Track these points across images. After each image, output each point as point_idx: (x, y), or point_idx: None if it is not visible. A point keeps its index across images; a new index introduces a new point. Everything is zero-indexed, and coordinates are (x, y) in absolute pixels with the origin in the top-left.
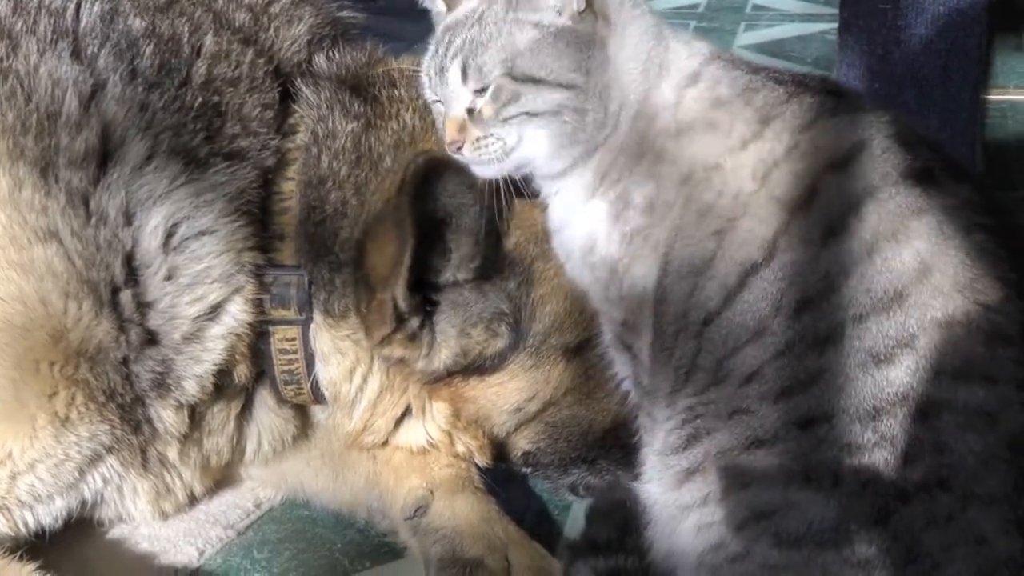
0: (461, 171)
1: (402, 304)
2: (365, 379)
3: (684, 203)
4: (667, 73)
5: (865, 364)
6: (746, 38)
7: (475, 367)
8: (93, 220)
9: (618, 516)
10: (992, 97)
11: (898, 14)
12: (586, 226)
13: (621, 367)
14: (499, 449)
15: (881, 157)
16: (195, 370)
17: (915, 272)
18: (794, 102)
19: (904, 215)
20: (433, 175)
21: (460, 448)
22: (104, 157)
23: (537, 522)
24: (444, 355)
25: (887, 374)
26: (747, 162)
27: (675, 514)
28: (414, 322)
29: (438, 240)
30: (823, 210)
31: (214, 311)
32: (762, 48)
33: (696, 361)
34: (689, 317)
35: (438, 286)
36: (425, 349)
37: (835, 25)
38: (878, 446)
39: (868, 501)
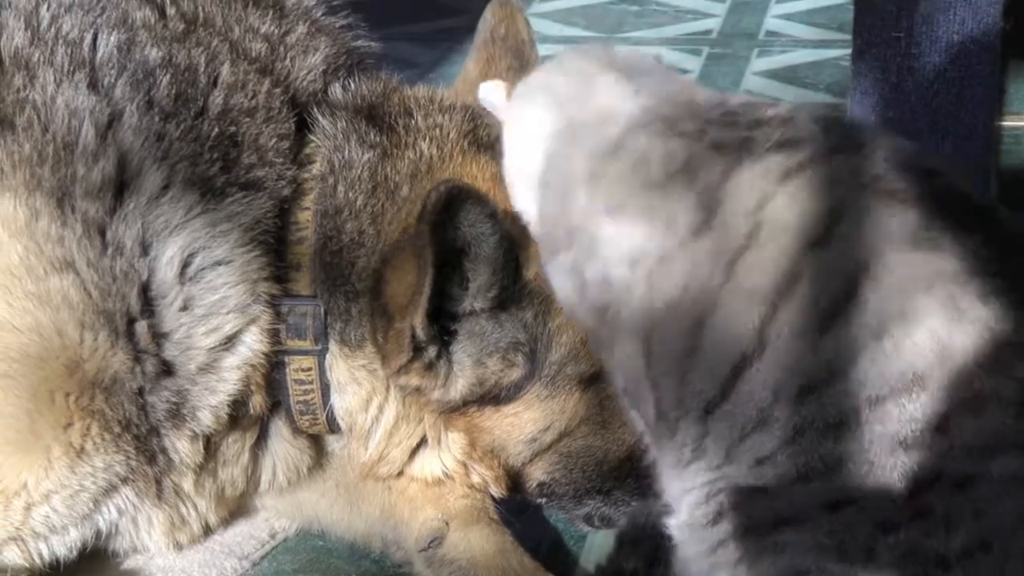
0: (482, 200)
1: (420, 333)
2: (381, 409)
3: (646, 289)
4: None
5: (892, 449)
6: (759, 64)
7: (491, 397)
8: (109, 250)
9: (648, 546)
10: (1006, 124)
11: (911, 42)
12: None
13: (632, 420)
14: (514, 480)
15: (869, 222)
16: (210, 400)
17: (933, 353)
18: (746, 171)
19: (909, 291)
20: (455, 204)
21: (475, 479)
22: (120, 187)
23: (552, 553)
24: (461, 385)
25: (916, 456)
26: (702, 253)
27: (705, 568)
28: (431, 351)
29: (456, 269)
30: (813, 296)
31: (229, 341)
32: (775, 75)
33: (704, 443)
34: (688, 404)
35: (455, 315)
36: (442, 379)
37: (849, 51)
38: (915, 521)
39: (908, 572)
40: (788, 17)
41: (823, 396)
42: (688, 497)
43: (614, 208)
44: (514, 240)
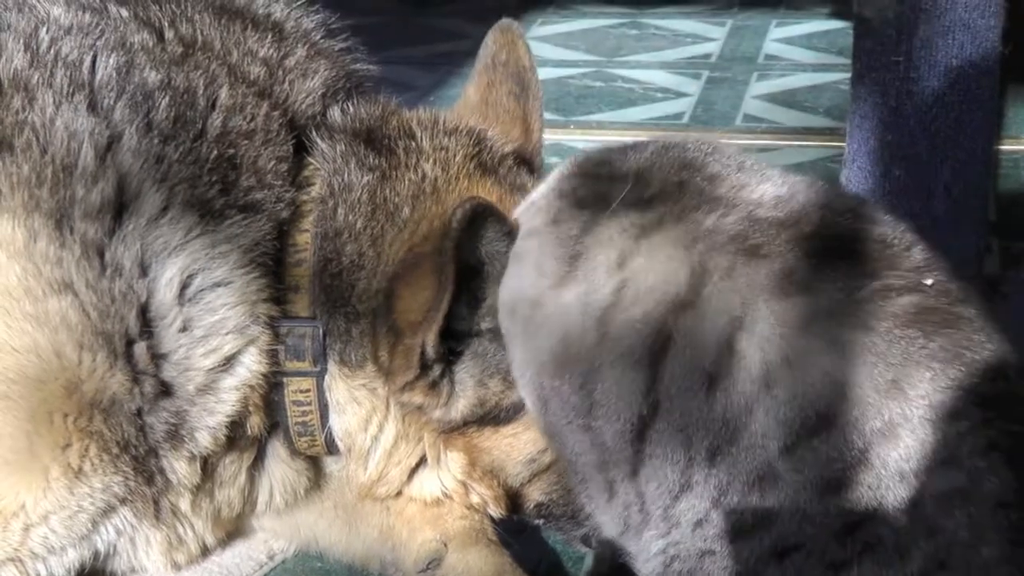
0: (502, 219)
1: (430, 351)
2: (381, 428)
3: (524, 337)
4: None
5: (821, 493)
6: (758, 88)
7: (491, 417)
8: (108, 272)
9: None
10: (1005, 148)
11: (911, 66)
12: None
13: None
14: (513, 500)
15: (734, 279)
16: (208, 422)
17: (831, 392)
18: (603, 226)
19: (788, 337)
20: (478, 221)
21: (475, 499)
22: (120, 209)
23: (550, 574)
24: (462, 404)
25: (848, 495)
26: (571, 301)
27: None
28: (436, 370)
29: (465, 288)
30: (691, 357)
31: (228, 362)
32: (774, 98)
33: (645, 507)
34: (609, 470)
35: (459, 335)
36: (444, 398)
37: (848, 75)
38: (865, 555)
39: None
40: (788, 41)
41: (733, 453)
42: (648, 565)
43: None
44: None
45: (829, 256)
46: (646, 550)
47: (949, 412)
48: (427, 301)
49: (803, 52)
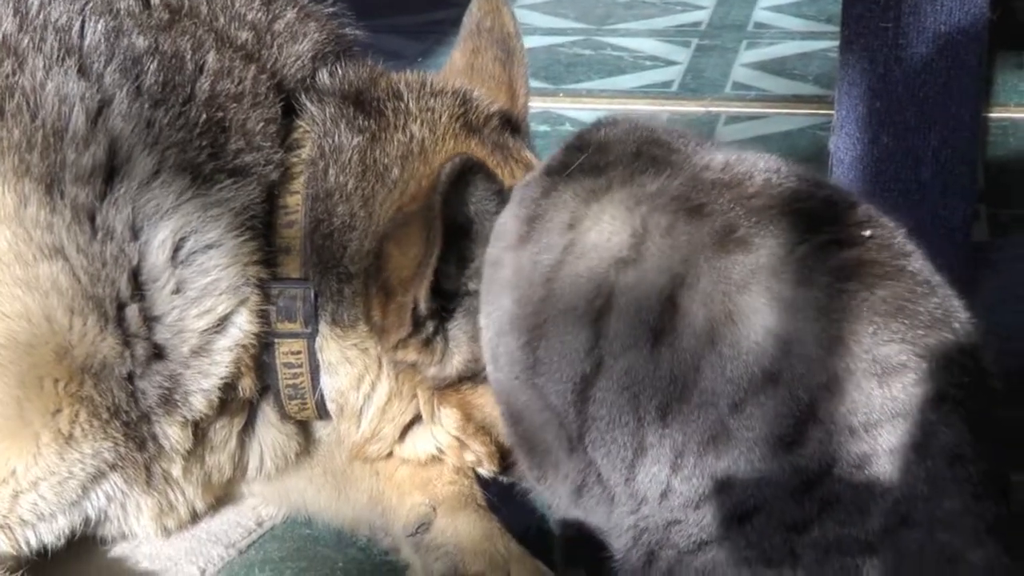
0: (491, 176)
1: (422, 307)
2: (373, 387)
3: (485, 297)
4: None
5: (774, 450)
6: (748, 56)
7: (484, 373)
8: (99, 235)
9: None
10: (993, 115)
11: (899, 33)
12: None
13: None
14: (505, 457)
15: (674, 237)
16: (203, 384)
17: (774, 348)
18: (559, 191)
19: (729, 293)
20: (467, 177)
21: (469, 457)
22: (110, 173)
23: (538, 540)
24: (456, 361)
25: (801, 451)
26: (525, 260)
27: None
28: (430, 327)
29: (454, 247)
30: (632, 313)
31: (221, 323)
32: (764, 66)
33: (602, 478)
34: (555, 432)
35: (449, 294)
36: (438, 355)
37: (837, 43)
38: (824, 514)
39: (835, 564)
40: (777, 9)
41: (685, 412)
42: (620, 540)
43: None
44: None
45: (770, 214)
46: (618, 526)
47: (893, 365)
48: (417, 257)
49: (792, 20)
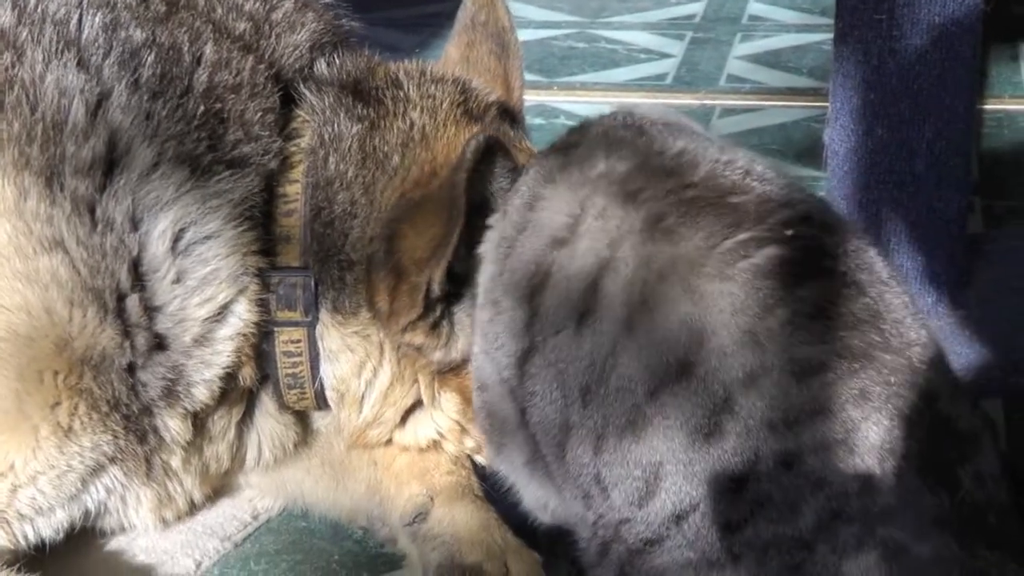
0: (510, 156)
1: (436, 288)
2: (375, 372)
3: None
4: None
5: (693, 440)
6: (742, 49)
7: None
8: (99, 227)
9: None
10: (988, 107)
11: (893, 24)
12: None
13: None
14: None
15: (606, 216)
16: (205, 375)
17: (688, 337)
18: (529, 169)
19: (648, 281)
20: (489, 156)
21: (469, 442)
22: (110, 165)
23: (534, 531)
24: (460, 345)
25: (722, 446)
26: (491, 240)
27: None
28: (438, 310)
29: (466, 228)
30: (562, 293)
31: (222, 312)
32: (758, 59)
33: (545, 457)
34: (507, 406)
35: (458, 277)
36: (444, 339)
37: (832, 35)
38: (756, 513)
39: (774, 563)
40: (771, 1)
41: (603, 395)
42: (582, 532)
43: None
44: None
45: (700, 206)
46: (577, 516)
47: (812, 365)
48: (436, 237)
49: (787, 12)
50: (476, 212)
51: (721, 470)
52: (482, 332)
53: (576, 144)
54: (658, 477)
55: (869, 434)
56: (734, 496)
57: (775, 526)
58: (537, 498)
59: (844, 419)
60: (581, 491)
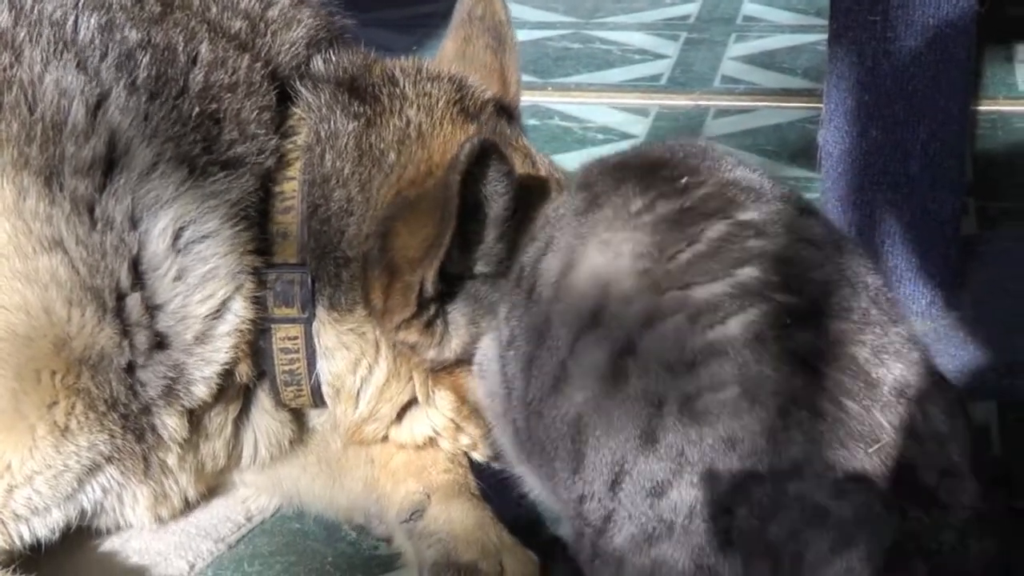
0: (504, 159)
1: (429, 287)
2: (371, 369)
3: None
4: None
5: (604, 387)
6: (736, 49)
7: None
8: (98, 226)
9: None
10: (982, 108)
11: (887, 26)
12: None
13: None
14: None
15: (562, 204)
16: (205, 372)
17: (598, 288)
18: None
19: (573, 247)
20: (483, 159)
21: (464, 440)
22: (109, 165)
23: (530, 530)
24: (455, 344)
25: (628, 389)
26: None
27: None
28: (432, 309)
29: (460, 229)
30: (523, 278)
31: (221, 309)
32: (752, 60)
33: (532, 447)
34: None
35: (452, 277)
36: (438, 337)
37: (826, 36)
38: (677, 473)
39: (702, 531)
40: (766, 2)
41: (538, 358)
42: (567, 513)
43: None
44: (519, 203)
45: (620, 175)
46: (561, 500)
47: (706, 302)
48: (429, 237)
49: (781, 13)
50: (471, 214)
51: (632, 417)
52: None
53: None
54: (579, 431)
55: (768, 382)
56: (650, 450)
57: (695, 489)
58: (532, 486)
59: (742, 363)
60: (551, 476)
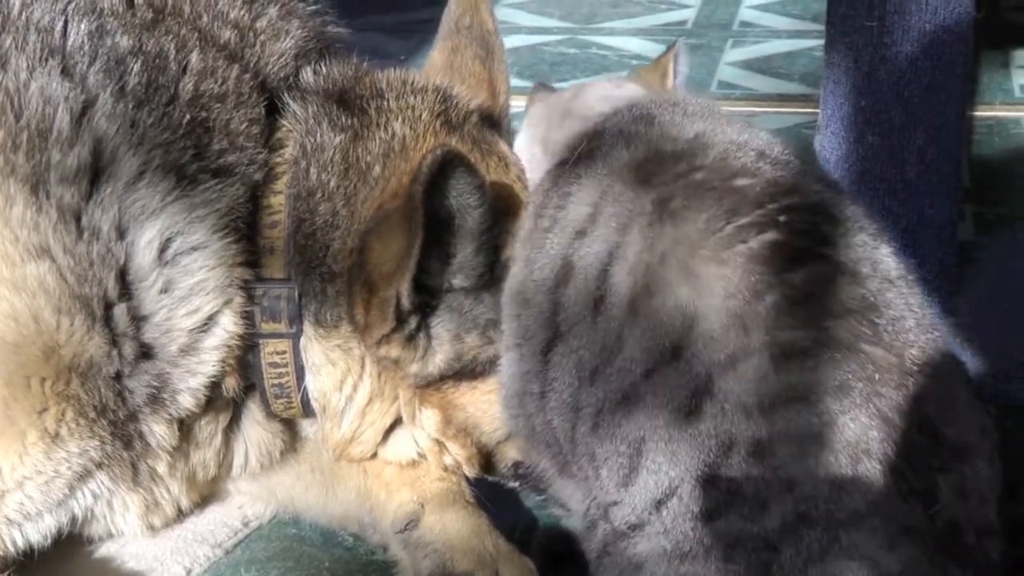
0: (473, 170)
1: (405, 301)
2: (355, 388)
3: (512, 273)
4: None
5: (676, 421)
6: (733, 55)
7: (467, 372)
8: (85, 236)
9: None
10: (979, 114)
11: (884, 31)
12: None
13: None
14: (487, 459)
15: (621, 201)
16: (190, 383)
17: (681, 321)
18: (556, 187)
19: (651, 268)
20: (448, 168)
21: (448, 460)
22: (96, 173)
23: (526, 537)
24: (439, 359)
25: (700, 426)
26: (524, 254)
27: None
28: (412, 323)
29: (437, 243)
30: (581, 282)
31: (208, 323)
32: (749, 65)
33: (562, 448)
34: (532, 394)
35: (433, 290)
36: (421, 351)
37: (822, 42)
38: (731, 504)
39: (742, 561)
40: (762, 7)
41: (607, 374)
42: (579, 508)
43: None
44: (496, 216)
45: (705, 189)
46: (580, 503)
47: (795, 349)
48: (399, 250)
49: (778, 18)
50: (444, 226)
51: (698, 452)
52: (509, 331)
53: (599, 145)
54: (640, 453)
55: (845, 430)
56: (708, 484)
57: (744, 522)
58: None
59: (820, 411)
60: (583, 472)
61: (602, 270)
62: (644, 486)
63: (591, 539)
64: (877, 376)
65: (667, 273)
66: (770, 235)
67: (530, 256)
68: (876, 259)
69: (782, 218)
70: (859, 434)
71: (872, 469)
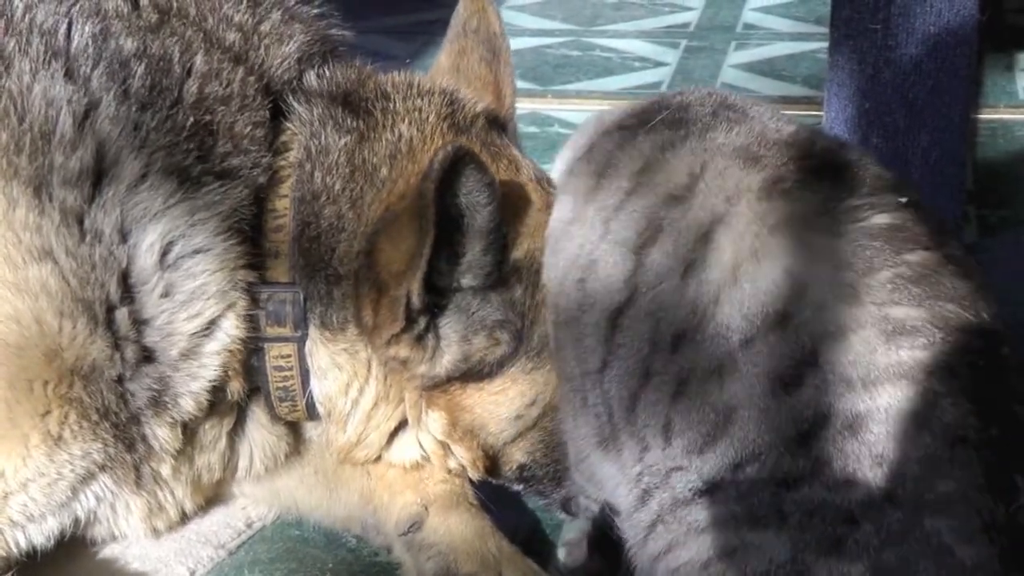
0: (484, 168)
1: (416, 300)
2: (361, 391)
3: (552, 260)
4: None
5: (773, 390)
6: (736, 57)
7: (475, 373)
8: (88, 238)
9: (607, 548)
10: (983, 117)
11: (888, 34)
12: None
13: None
14: (493, 462)
15: (726, 175)
16: (192, 387)
17: (789, 291)
18: (638, 142)
19: (760, 236)
20: (459, 166)
21: (453, 463)
22: (98, 176)
23: (530, 539)
24: (447, 360)
25: (799, 396)
26: (592, 212)
27: (647, 565)
28: (422, 322)
29: (446, 242)
30: (673, 245)
31: (210, 327)
32: (752, 67)
33: (612, 415)
34: (585, 365)
35: (441, 290)
36: (429, 352)
37: (826, 44)
38: (815, 474)
39: (817, 531)
40: (766, 10)
41: (698, 340)
42: (621, 487)
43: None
44: (506, 215)
45: (818, 174)
46: (627, 477)
47: (905, 327)
48: (410, 249)
49: (781, 21)
50: (454, 225)
51: (792, 421)
52: (570, 299)
53: (684, 121)
54: (729, 421)
55: (946, 414)
56: (798, 450)
57: (828, 492)
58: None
59: (925, 391)
60: (639, 442)
61: (702, 235)
62: (723, 453)
63: (642, 509)
64: (980, 364)
65: (779, 240)
66: (887, 217)
67: (596, 220)
68: (961, 250)
69: (903, 199)
70: (959, 419)
71: (967, 456)
